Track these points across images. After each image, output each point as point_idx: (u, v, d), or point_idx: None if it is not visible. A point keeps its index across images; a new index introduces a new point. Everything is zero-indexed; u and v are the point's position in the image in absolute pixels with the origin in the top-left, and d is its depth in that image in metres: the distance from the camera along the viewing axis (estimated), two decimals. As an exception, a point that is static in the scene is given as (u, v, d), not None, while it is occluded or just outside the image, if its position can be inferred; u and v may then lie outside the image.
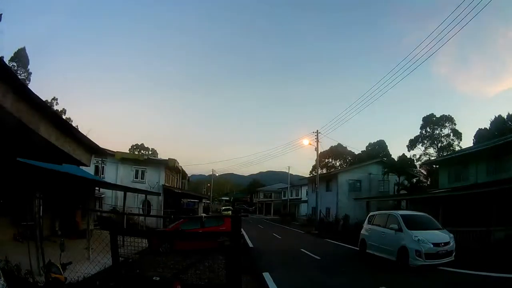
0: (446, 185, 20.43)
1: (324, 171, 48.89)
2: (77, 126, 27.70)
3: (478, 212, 14.68)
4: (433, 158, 37.46)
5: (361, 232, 12.69)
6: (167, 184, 29.42)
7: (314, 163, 47.01)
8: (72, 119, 39.71)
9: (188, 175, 47.63)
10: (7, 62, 29.21)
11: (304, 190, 47.50)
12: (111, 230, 4.55)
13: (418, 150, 42.47)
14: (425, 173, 37.53)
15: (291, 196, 54.94)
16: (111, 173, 26.09)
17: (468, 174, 18.68)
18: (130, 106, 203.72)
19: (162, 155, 76.76)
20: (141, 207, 25.01)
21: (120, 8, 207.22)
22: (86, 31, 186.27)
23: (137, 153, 55.78)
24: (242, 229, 11.68)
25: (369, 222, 12.50)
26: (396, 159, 38.08)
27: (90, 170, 18.97)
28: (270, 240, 19.69)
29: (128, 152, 49.51)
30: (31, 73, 38.93)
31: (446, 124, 41.72)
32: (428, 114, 42.57)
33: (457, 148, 37.78)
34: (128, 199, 17.49)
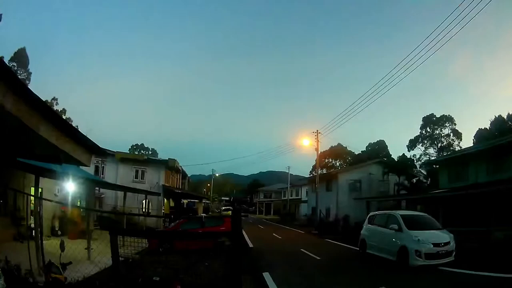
0: (446, 185, 20.40)
1: (324, 171, 48.82)
2: (77, 126, 27.72)
3: (478, 212, 14.67)
4: (433, 158, 37.42)
5: (361, 232, 12.69)
6: (167, 184, 29.41)
7: (314, 163, 47.05)
8: (72, 119, 39.68)
9: (188, 175, 47.62)
10: (7, 62, 29.25)
11: (304, 190, 47.47)
12: (111, 230, 4.55)
13: (418, 150, 42.44)
14: (425, 173, 37.47)
15: (291, 196, 54.93)
16: (111, 173, 26.09)
17: (468, 174, 18.64)
18: (131, 106, 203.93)
19: (162, 155, 76.75)
20: (141, 207, 25.00)
21: (119, 6, 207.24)
22: (86, 31, 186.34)
23: (137, 153, 55.78)
24: (242, 229, 11.67)
25: (369, 222, 12.50)
26: (396, 159, 38.00)
27: (90, 170, 18.97)
28: (270, 240, 19.68)
29: (128, 152, 49.53)
30: (31, 73, 39.07)
31: (446, 124, 41.71)
32: (428, 114, 42.58)
33: (457, 148, 37.74)
34: (128, 199, 17.49)
